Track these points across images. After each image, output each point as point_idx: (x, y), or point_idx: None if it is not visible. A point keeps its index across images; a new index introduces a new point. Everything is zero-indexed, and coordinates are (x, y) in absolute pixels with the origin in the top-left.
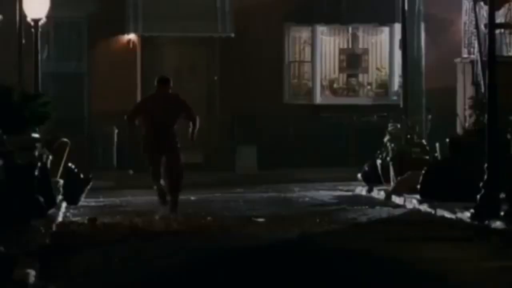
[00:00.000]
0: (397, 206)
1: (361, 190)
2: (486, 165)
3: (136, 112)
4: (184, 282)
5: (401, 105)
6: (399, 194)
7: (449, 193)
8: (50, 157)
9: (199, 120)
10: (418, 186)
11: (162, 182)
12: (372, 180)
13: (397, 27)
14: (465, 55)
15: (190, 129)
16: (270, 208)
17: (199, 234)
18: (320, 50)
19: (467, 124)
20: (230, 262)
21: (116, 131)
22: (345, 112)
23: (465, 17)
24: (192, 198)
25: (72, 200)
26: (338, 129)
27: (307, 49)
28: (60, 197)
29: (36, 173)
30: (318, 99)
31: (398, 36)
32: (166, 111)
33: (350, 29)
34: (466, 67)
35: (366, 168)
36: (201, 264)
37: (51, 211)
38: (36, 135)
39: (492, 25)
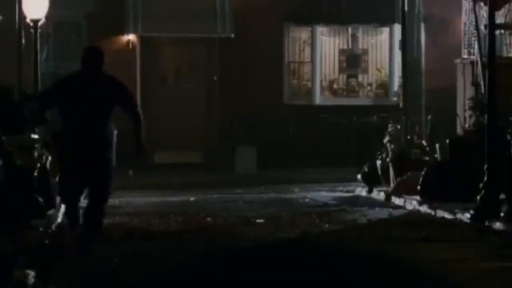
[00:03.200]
0: (397, 207)
1: (361, 191)
2: (486, 166)
3: (49, 101)
4: (184, 282)
5: (401, 106)
6: (399, 195)
7: (449, 194)
8: (50, 157)
9: (143, 119)
10: (418, 187)
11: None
12: (372, 181)
13: (397, 27)
14: (465, 56)
15: (134, 132)
16: (270, 208)
17: (199, 235)
18: (320, 51)
19: (467, 125)
20: (230, 263)
21: (115, 131)
22: (345, 112)
23: (465, 17)
24: (192, 198)
25: None
26: (338, 129)
27: (307, 50)
28: (59, 197)
29: (36, 173)
30: (318, 99)
31: (398, 36)
32: (95, 100)
33: (349, 29)
34: (466, 67)
35: (366, 169)
36: (200, 264)
37: (51, 211)
38: (35, 136)
39: (492, 25)
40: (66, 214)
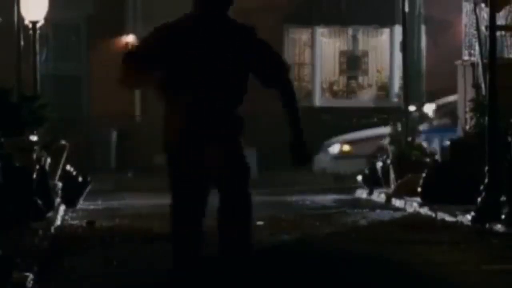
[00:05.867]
0: (398, 209)
1: (361, 193)
2: (486, 168)
3: (145, 57)
4: (184, 285)
5: (402, 107)
6: (399, 197)
7: (450, 196)
8: (49, 159)
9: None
10: (419, 189)
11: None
12: (372, 183)
13: (398, 29)
14: (466, 57)
15: (290, 125)
16: (270, 211)
17: None
18: (320, 52)
19: (467, 127)
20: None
21: (115, 133)
22: (345, 114)
23: (466, 19)
24: None
25: (70, 203)
26: (338, 131)
27: (307, 51)
28: (58, 200)
29: (34, 175)
30: (318, 101)
31: (398, 38)
32: (222, 62)
33: (350, 31)
34: (466, 69)
35: (366, 171)
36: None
37: (50, 214)
38: (34, 137)
39: (493, 27)
40: (177, 253)
